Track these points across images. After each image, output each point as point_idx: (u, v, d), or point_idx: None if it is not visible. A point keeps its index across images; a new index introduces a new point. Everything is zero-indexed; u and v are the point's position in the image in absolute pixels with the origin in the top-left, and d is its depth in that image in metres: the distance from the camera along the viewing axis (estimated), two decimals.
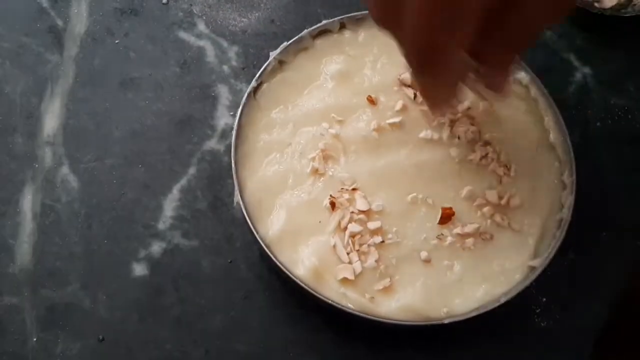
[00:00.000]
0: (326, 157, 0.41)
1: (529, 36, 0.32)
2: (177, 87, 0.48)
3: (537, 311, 0.41)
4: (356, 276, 0.38)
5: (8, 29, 0.50)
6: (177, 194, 0.44)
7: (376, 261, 0.38)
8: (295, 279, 0.38)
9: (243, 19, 0.52)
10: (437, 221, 0.40)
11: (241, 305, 0.41)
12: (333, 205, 0.40)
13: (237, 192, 0.40)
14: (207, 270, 0.42)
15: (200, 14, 0.52)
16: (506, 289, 0.39)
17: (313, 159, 0.41)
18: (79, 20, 0.51)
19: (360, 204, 0.40)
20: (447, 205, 0.40)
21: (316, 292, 0.37)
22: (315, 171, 0.41)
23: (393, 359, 0.40)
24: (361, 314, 0.37)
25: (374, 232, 0.39)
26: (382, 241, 0.39)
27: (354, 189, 0.40)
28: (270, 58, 0.45)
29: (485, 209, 0.40)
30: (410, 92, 0.44)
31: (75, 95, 0.48)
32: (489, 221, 0.40)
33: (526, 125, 0.44)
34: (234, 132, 0.42)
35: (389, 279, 0.38)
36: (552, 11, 0.31)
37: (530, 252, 0.40)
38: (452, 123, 0.43)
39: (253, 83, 0.44)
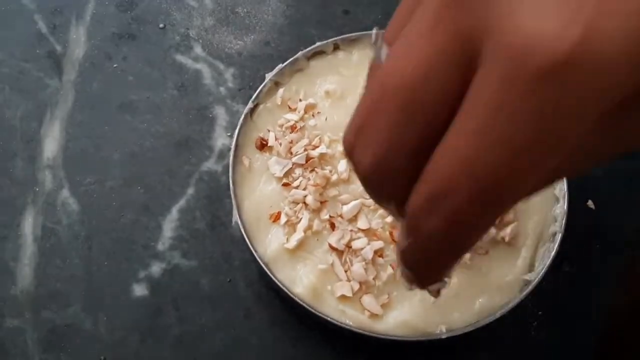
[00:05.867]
0: (322, 176, 0.41)
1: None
2: (175, 109, 0.49)
3: (534, 324, 0.42)
4: (354, 293, 0.38)
5: (8, 54, 0.51)
6: (176, 214, 0.45)
7: (374, 278, 0.39)
8: (294, 297, 0.38)
9: (239, 42, 0.53)
10: None
11: (241, 324, 0.41)
12: (332, 225, 0.40)
13: (235, 212, 0.41)
14: (207, 290, 0.42)
15: (196, 38, 0.53)
16: (502, 302, 0.39)
17: (309, 178, 0.42)
18: (78, 45, 0.52)
19: (362, 223, 0.40)
20: None
21: (315, 310, 0.38)
22: (312, 190, 0.41)
23: None
24: (360, 331, 0.37)
25: (372, 250, 0.40)
26: (380, 257, 0.39)
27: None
28: (266, 79, 0.46)
29: None
30: None
31: (75, 119, 0.48)
32: (483, 236, 0.41)
33: None
34: (231, 153, 0.43)
35: (386, 296, 0.39)
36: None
37: (525, 265, 0.40)
38: None
39: (249, 104, 0.45)
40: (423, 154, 0.18)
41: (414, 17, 0.18)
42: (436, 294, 0.23)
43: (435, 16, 0.17)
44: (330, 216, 0.40)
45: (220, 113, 0.49)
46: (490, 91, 0.16)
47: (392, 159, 0.19)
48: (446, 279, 0.22)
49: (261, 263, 0.39)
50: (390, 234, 0.40)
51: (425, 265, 0.20)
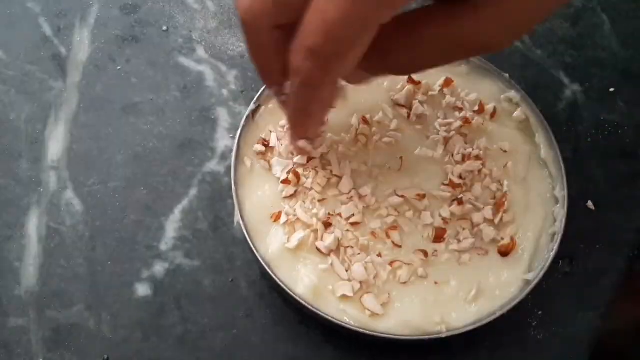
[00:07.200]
0: (323, 177, 0.42)
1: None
2: (178, 111, 0.50)
3: (533, 324, 0.42)
4: (355, 293, 0.39)
5: (13, 57, 0.52)
6: (179, 215, 0.45)
7: (374, 278, 0.39)
8: (295, 296, 0.38)
9: (241, 44, 0.53)
10: (432, 239, 0.41)
11: (243, 323, 0.42)
12: (329, 224, 0.40)
13: (237, 212, 0.41)
14: (209, 290, 0.43)
15: (199, 40, 0.53)
16: (502, 302, 0.39)
17: (309, 178, 0.42)
18: (82, 48, 0.53)
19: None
20: (442, 219, 0.41)
21: (316, 309, 0.38)
22: (312, 191, 0.42)
23: None
24: (361, 330, 0.38)
25: (372, 250, 0.40)
26: (379, 256, 0.40)
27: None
28: None
29: (480, 225, 0.41)
30: (404, 111, 0.45)
31: (79, 121, 0.49)
32: (483, 236, 0.41)
33: (518, 142, 0.45)
34: (233, 154, 0.43)
35: (387, 295, 0.39)
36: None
37: (525, 265, 0.41)
38: (446, 140, 0.44)
39: (251, 105, 0.45)
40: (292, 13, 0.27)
41: None
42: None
43: None
44: (329, 214, 0.41)
45: (222, 115, 0.50)
46: None
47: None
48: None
49: (263, 263, 0.39)
50: (387, 233, 0.40)
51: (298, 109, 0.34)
